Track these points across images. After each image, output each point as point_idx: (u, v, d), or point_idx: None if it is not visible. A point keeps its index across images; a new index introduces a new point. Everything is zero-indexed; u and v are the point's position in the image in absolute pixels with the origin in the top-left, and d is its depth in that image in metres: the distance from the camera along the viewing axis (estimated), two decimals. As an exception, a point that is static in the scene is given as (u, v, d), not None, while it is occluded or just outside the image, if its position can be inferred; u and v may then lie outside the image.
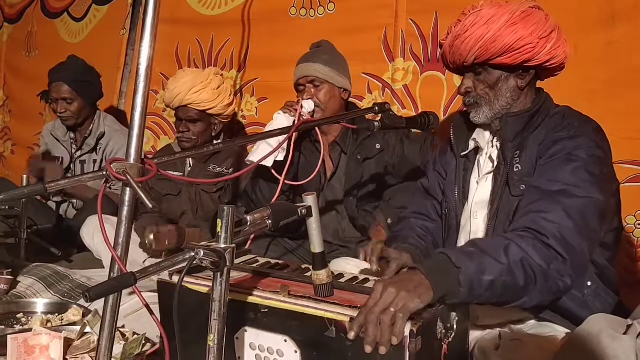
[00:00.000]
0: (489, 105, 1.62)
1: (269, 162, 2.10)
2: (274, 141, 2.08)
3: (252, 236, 1.71)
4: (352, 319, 1.14)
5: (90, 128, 3.28)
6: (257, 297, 1.27)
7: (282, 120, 2.17)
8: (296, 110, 2.17)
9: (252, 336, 1.28)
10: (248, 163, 2.21)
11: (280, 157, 2.10)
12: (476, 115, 1.65)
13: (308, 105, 2.23)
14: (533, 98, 1.65)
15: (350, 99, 2.49)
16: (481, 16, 1.54)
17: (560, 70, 1.65)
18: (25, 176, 2.82)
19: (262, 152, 2.09)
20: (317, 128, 2.17)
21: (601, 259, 1.52)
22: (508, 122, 1.60)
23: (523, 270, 1.24)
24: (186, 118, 2.66)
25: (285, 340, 1.24)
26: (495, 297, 1.26)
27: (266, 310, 1.25)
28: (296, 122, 2.09)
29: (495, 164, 1.64)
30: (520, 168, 1.55)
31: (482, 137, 1.70)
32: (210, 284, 1.07)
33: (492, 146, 1.68)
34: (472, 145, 1.73)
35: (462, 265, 1.20)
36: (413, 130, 2.23)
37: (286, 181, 2.07)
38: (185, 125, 2.67)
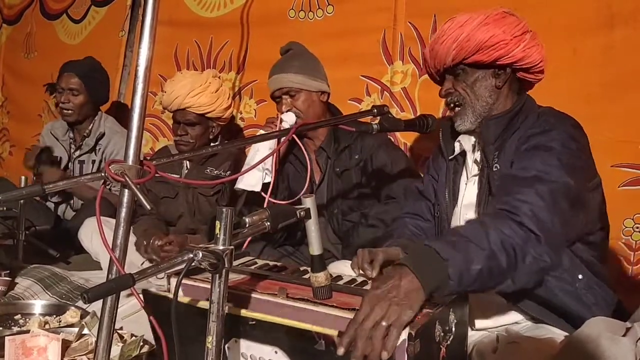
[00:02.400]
0: (470, 107, 1.68)
1: (257, 187, 2.12)
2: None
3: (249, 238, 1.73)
4: (340, 333, 1.10)
5: (90, 128, 3.27)
6: (245, 310, 1.24)
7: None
8: (277, 126, 2.17)
9: (243, 346, 1.26)
10: (237, 190, 2.25)
11: (268, 179, 2.13)
12: (461, 122, 1.70)
13: (289, 119, 2.22)
14: (514, 100, 1.68)
15: (349, 101, 2.48)
16: (457, 21, 1.64)
17: (540, 74, 1.68)
18: (23, 177, 2.82)
19: (249, 175, 2.11)
20: (297, 139, 2.08)
21: (587, 255, 1.53)
22: (489, 125, 1.64)
23: (505, 252, 1.23)
24: (184, 121, 2.65)
25: (276, 352, 1.22)
26: (483, 284, 1.24)
27: (254, 322, 1.22)
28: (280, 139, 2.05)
29: (480, 166, 1.67)
30: (498, 167, 1.58)
31: (467, 140, 1.74)
32: (207, 286, 1.07)
33: (477, 150, 1.71)
34: (457, 147, 1.76)
35: (449, 257, 1.18)
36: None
37: (278, 201, 2.09)
38: (183, 128, 2.66)
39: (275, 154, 2.18)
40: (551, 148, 1.45)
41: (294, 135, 2.03)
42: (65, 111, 3.22)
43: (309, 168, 2.11)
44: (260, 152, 2.15)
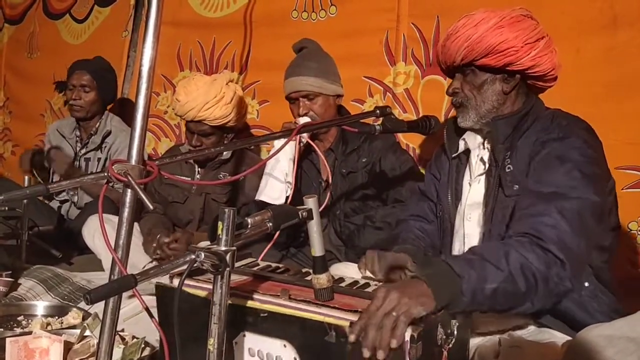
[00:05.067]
0: (475, 109, 1.67)
1: (280, 200, 2.14)
2: (279, 173, 2.15)
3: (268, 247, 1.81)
4: (352, 323, 1.13)
5: (97, 126, 3.31)
6: (257, 302, 1.26)
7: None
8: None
9: (251, 341, 1.27)
10: (256, 201, 2.25)
11: (290, 192, 2.15)
12: (463, 120, 1.69)
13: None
14: (522, 102, 1.67)
15: (351, 102, 2.48)
16: (473, 19, 1.60)
17: (552, 81, 1.67)
18: (27, 177, 2.83)
19: (271, 187, 2.14)
20: (310, 140, 2.20)
21: (598, 261, 1.53)
22: (498, 125, 1.63)
23: (524, 276, 1.24)
24: (198, 132, 2.60)
25: (285, 346, 1.23)
26: (498, 305, 1.26)
27: (265, 314, 1.24)
28: (296, 146, 2.16)
29: (487, 165, 1.66)
30: (512, 168, 1.57)
31: (473, 139, 1.73)
32: (210, 287, 1.07)
33: (484, 148, 1.70)
34: (462, 145, 1.76)
35: (464, 274, 1.20)
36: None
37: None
38: (198, 139, 2.61)
39: (295, 165, 2.19)
40: (570, 159, 1.44)
41: (309, 140, 2.17)
42: (75, 107, 3.25)
43: (329, 172, 2.13)
44: (281, 162, 2.16)
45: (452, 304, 1.18)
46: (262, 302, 1.26)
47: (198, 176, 2.73)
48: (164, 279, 1.39)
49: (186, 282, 1.33)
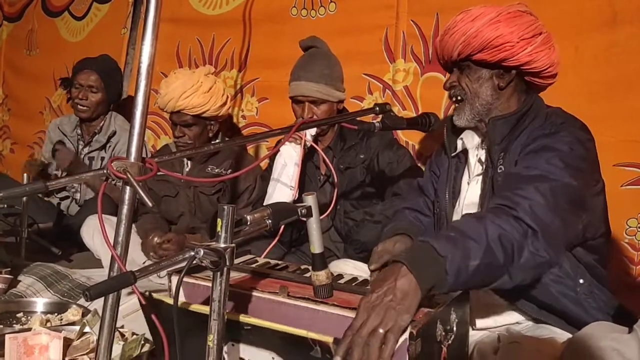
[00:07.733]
0: (469, 104, 1.66)
1: None
2: (287, 179, 2.18)
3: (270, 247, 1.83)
4: (336, 339, 1.06)
5: (101, 125, 3.31)
6: (244, 314, 1.22)
7: (289, 150, 2.23)
8: (300, 137, 2.21)
9: (241, 350, 1.25)
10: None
11: (294, 196, 2.17)
12: (458, 118, 1.69)
13: (310, 129, 2.25)
14: (521, 101, 1.66)
15: (351, 99, 2.48)
16: (470, 14, 1.60)
17: (550, 78, 1.66)
18: (25, 175, 2.82)
19: (280, 192, 2.16)
20: (314, 143, 2.24)
21: (589, 259, 1.52)
22: (496, 124, 1.62)
23: (501, 247, 1.21)
24: (180, 123, 2.62)
25: (273, 358, 1.20)
26: (481, 280, 1.22)
27: (249, 327, 1.20)
28: (301, 151, 2.22)
29: (484, 166, 1.66)
30: (503, 169, 1.57)
31: (471, 139, 1.73)
32: (209, 285, 1.07)
33: (482, 148, 1.70)
34: (459, 145, 1.75)
35: (447, 253, 1.15)
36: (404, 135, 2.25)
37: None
38: (180, 130, 2.64)
39: (299, 169, 2.22)
40: (556, 149, 1.44)
41: (312, 143, 2.22)
42: (80, 107, 3.24)
43: (331, 167, 2.15)
44: (288, 166, 2.18)
45: (436, 286, 1.13)
46: (252, 309, 1.24)
47: (187, 169, 2.75)
48: (152, 284, 1.38)
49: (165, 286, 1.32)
